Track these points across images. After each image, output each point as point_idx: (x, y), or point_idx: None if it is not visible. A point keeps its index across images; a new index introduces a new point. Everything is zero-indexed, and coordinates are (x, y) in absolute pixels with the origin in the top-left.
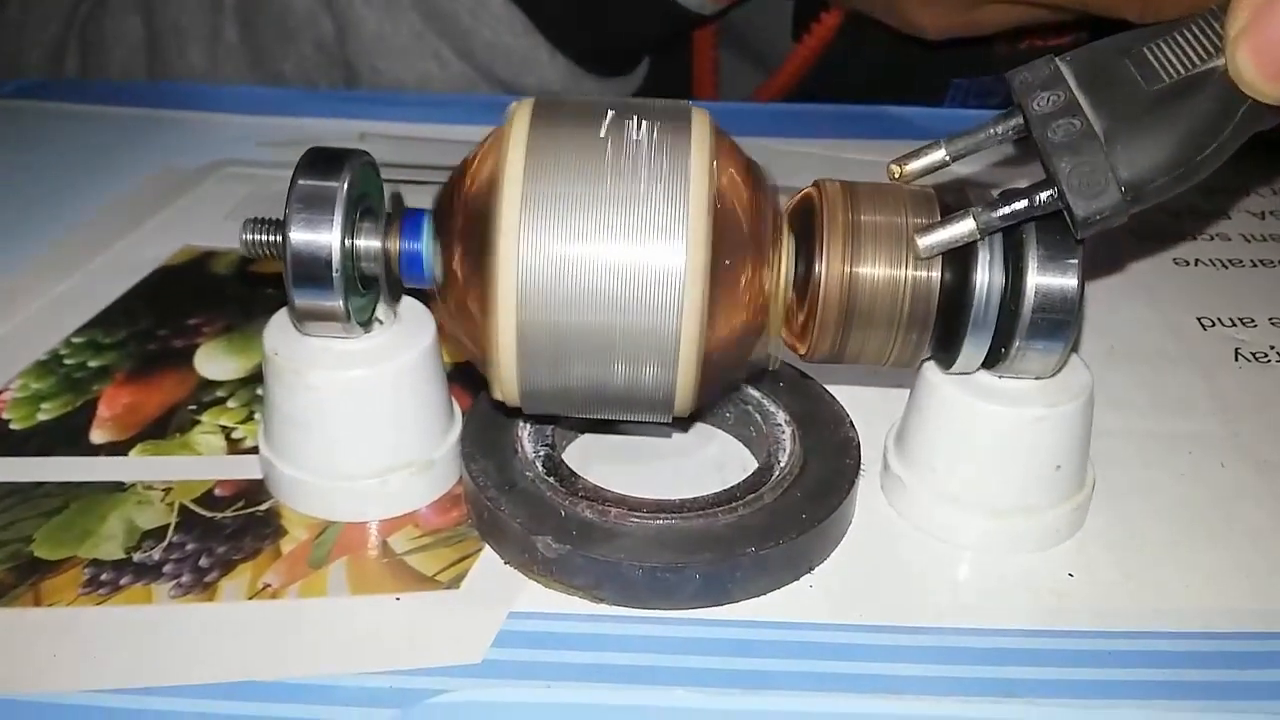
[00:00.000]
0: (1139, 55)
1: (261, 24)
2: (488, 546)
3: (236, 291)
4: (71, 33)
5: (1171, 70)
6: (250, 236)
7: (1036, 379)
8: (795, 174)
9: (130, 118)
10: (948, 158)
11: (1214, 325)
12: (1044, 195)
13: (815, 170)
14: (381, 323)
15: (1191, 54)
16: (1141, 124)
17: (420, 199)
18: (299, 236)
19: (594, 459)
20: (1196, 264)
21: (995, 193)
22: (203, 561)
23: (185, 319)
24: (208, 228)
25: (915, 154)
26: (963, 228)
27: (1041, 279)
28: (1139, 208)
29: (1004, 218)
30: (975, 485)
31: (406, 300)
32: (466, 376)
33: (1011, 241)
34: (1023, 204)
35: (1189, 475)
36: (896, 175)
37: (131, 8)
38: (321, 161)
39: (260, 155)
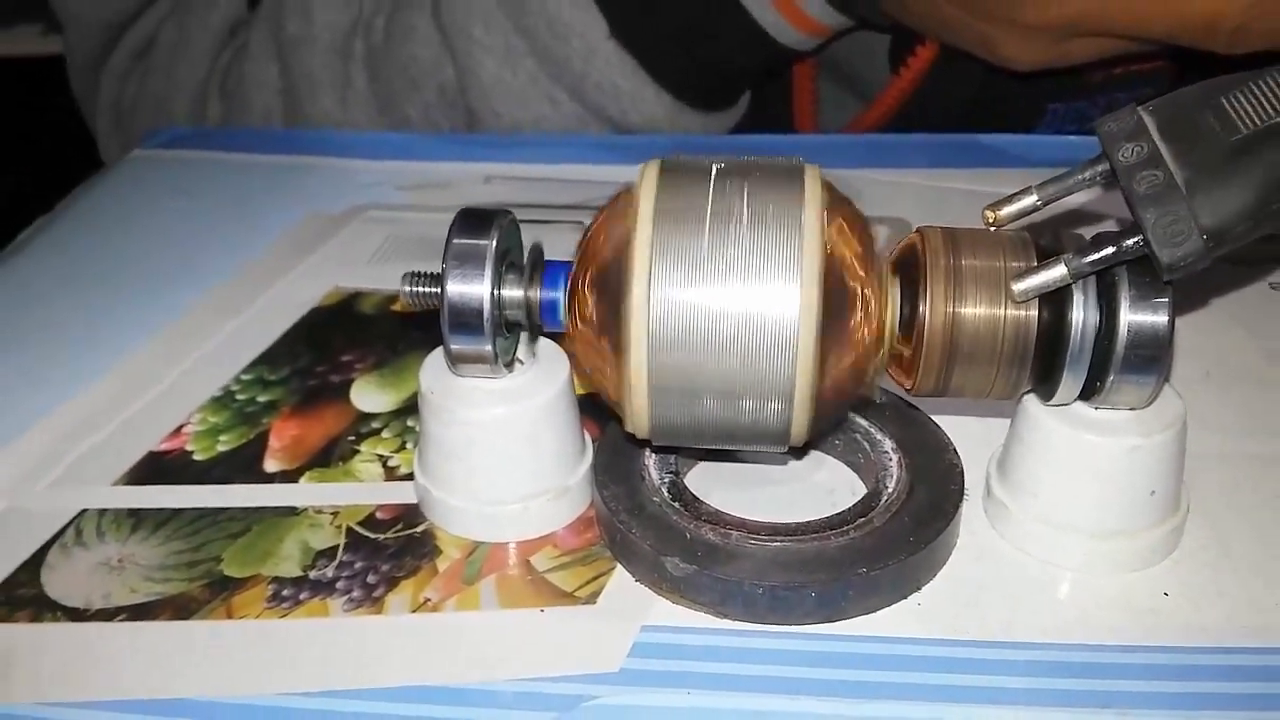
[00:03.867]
0: (1218, 106)
1: (388, 72)
2: (620, 565)
3: (383, 330)
4: (213, 80)
5: (1249, 121)
6: (410, 289)
7: (1131, 410)
8: (893, 204)
9: (274, 165)
10: (1039, 202)
11: None
12: (1130, 242)
13: (912, 199)
14: (522, 363)
15: (1268, 106)
16: (1221, 174)
17: (541, 233)
18: (455, 289)
19: (713, 484)
20: None
21: (1088, 237)
22: (370, 578)
23: (339, 356)
24: (354, 270)
25: (1008, 200)
26: (1055, 273)
27: (1134, 317)
28: (1221, 252)
29: (1094, 263)
30: (1075, 510)
31: (543, 342)
32: (593, 408)
33: (1105, 282)
34: (1111, 250)
35: None
36: (991, 221)
37: (271, 56)
38: (473, 221)
39: (397, 199)
